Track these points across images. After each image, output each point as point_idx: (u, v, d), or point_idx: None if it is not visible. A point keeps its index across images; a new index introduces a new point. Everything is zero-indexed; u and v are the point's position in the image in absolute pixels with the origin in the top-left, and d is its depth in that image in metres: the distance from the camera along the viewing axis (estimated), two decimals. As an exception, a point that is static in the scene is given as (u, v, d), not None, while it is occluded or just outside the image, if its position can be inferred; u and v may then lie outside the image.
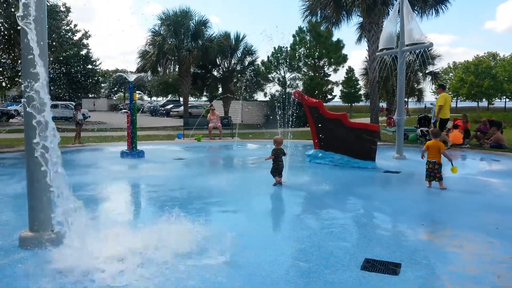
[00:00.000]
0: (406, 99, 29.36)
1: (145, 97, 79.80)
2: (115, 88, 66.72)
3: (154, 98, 73.37)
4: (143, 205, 6.56)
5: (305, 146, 15.13)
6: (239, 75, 25.67)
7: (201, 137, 15.93)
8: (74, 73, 20.78)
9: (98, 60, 35.49)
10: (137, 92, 13.54)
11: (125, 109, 54.42)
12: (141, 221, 5.28)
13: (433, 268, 3.82)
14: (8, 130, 18.15)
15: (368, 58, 17.72)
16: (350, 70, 58.61)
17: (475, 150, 13.33)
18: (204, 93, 27.22)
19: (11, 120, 31.36)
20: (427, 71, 27.56)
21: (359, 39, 19.24)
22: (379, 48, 11.49)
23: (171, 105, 49.26)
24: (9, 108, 35.88)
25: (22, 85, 4.20)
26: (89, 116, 38.09)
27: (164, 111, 46.01)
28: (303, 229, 4.93)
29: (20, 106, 40.38)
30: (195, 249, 4.11)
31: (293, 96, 10.32)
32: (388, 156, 11.07)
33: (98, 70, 34.24)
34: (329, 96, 44.89)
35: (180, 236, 4.39)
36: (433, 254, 4.17)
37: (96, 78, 30.11)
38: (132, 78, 11.37)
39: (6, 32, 12.31)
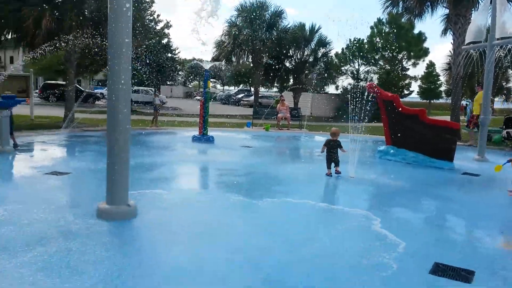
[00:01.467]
0: (492, 98, 26.91)
1: (218, 86, 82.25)
2: (191, 76, 69.56)
3: (226, 87, 75.19)
4: (210, 187, 6.77)
5: (376, 141, 14.60)
6: (311, 67, 25.30)
7: (269, 126, 16.03)
8: (156, 61, 21.92)
9: (177, 49, 37.17)
10: (211, 80, 14.03)
11: (199, 96, 56.80)
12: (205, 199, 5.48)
13: (510, 280, 3.49)
14: (93, 111, 19.73)
15: (452, 52, 16.46)
16: (431, 65, 55.11)
17: None
18: (275, 84, 27.16)
19: (96, 102, 34.01)
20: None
21: (444, 32, 17.93)
22: (466, 41, 10.61)
23: (242, 95, 50.23)
24: (95, 91, 38.94)
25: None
26: (166, 102, 40.16)
27: (235, 100, 47.10)
28: (366, 228, 4.74)
29: (105, 89, 43.97)
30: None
31: (367, 89, 9.95)
32: (467, 157, 10.27)
33: (176, 59, 35.88)
34: (406, 92, 42.66)
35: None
36: (511, 265, 3.80)
37: (175, 66, 31.69)
38: (207, 66, 11.72)
39: (97, 20, 13.32)
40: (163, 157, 9.14)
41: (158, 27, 24.23)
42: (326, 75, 26.08)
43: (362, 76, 33.36)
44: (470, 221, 5.33)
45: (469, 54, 12.55)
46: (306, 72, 25.66)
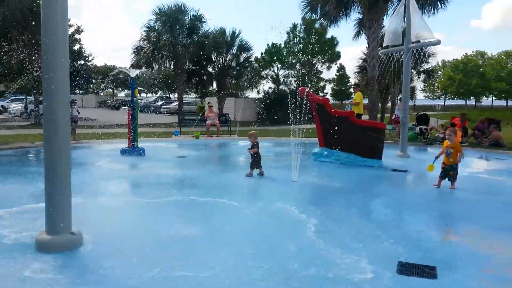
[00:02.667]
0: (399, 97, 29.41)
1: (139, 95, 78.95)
2: (104, 84, 65.73)
3: (143, 95, 72.57)
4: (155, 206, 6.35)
5: (306, 144, 15.08)
6: (234, 72, 25.39)
7: (199, 134, 15.71)
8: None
9: (90, 55, 34.88)
10: (138, 88, 13.14)
11: (118, 105, 53.79)
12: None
13: (469, 271, 3.74)
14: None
15: (368, 55, 17.66)
16: (341, 68, 59.06)
17: (475, 148, 13.39)
18: (198, 90, 26.78)
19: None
20: (421, 69, 27.69)
21: (357, 36, 19.20)
22: (384, 45, 11.41)
23: (161, 102, 48.80)
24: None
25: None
26: (79, 113, 37.49)
27: (155, 108, 45.55)
28: (316, 232, 4.79)
29: (6, 102, 39.75)
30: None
31: (299, 93, 10.20)
32: (390, 155, 11.00)
33: (90, 66, 33.58)
34: (321, 94, 44.99)
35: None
36: (465, 256, 4.09)
37: (88, 74, 29.60)
38: (133, 74, 11.11)
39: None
40: (93, 174, 8.41)
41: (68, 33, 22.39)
42: (250, 80, 26.36)
43: (282, 80, 34.34)
44: (413, 216, 5.59)
45: (387, 57, 13.51)
46: (229, 77, 25.68)
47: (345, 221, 5.16)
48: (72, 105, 14.76)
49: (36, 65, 13.35)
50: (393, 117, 13.89)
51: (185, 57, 22.16)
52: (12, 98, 40.52)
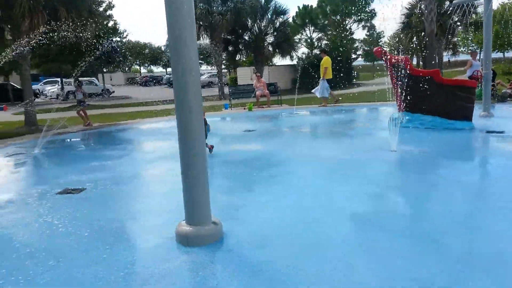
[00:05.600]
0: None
1: (158, 69, 78.68)
2: (129, 61, 65.47)
3: (170, 69, 72.13)
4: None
5: (371, 108, 14.42)
6: (271, 39, 24.44)
7: (252, 106, 15.19)
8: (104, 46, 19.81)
9: (125, 31, 34.21)
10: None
11: (146, 81, 53.74)
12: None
13: None
14: (41, 110, 17.56)
15: (426, 7, 16.32)
16: (371, 27, 56.56)
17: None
18: (233, 61, 26.01)
19: (36, 100, 30.83)
20: (469, 21, 25.90)
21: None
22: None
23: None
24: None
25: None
26: (113, 91, 37.56)
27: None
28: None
29: (40, 84, 40.00)
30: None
31: (375, 54, 9.47)
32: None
33: (125, 43, 33.22)
34: (354, 56, 43.36)
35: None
36: None
37: (124, 51, 29.25)
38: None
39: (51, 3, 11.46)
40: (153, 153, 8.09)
41: (100, 9, 21.89)
42: (289, 45, 25.34)
43: (316, 43, 33.06)
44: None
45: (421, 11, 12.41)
46: (267, 44, 24.76)
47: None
48: (77, 88, 13.51)
49: (84, 45, 12.89)
50: (471, 73, 12.83)
51: (222, 26, 21.30)
52: (45, 80, 40.86)
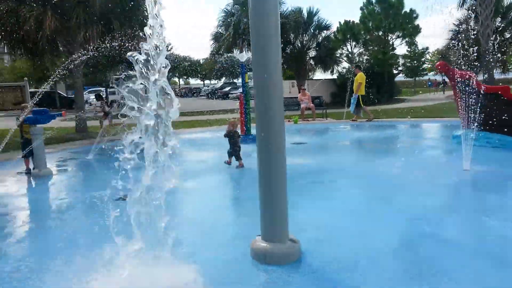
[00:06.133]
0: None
1: (194, 81, 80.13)
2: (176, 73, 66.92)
3: (207, 82, 73.26)
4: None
5: (416, 125, 13.83)
6: (313, 53, 24.23)
7: (298, 119, 14.92)
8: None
9: (170, 44, 35.01)
10: (248, 73, 12.18)
11: (185, 93, 54.75)
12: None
13: None
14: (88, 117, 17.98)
15: (481, 23, 15.67)
16: (412, 43, 55.28)
17: None
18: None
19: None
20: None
21: (462, 4, 17.21)
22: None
23: (229, 87, 48.72)
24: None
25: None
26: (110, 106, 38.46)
27: (222, 94, 45.46)
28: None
29: (85, 93, 41.64)
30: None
31: (438, 68, 9.01)
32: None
33: (172, 55, 34.05)
34: (395, 71, 42.37)
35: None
36: None
37: (172, 64, 30.24)
38: (243, 58, 10.49)
39: (106, 15, 11.74)
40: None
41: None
42: (332, 59, 25.01)
43: (357, 58, 32.51)
44: None
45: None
46: (308, 58, 24.55)
47: None
48: (104, 103, 13.95)
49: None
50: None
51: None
52: (89, 90, 42.37)
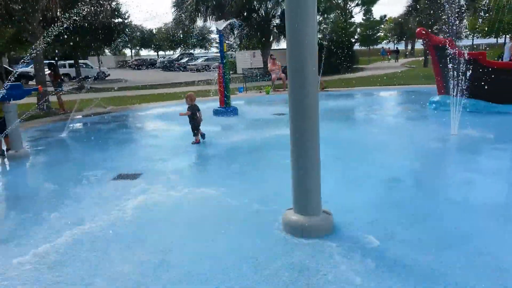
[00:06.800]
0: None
1: (148, 52, 76.80)
2: (121, 43, 63.58)
3: (161, 53, 70.66)
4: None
5: (367, 93, 14.15)
6: (277, 21, 23.84)
7: (270, 89, 14.77)
8: (102, 27, 18.82)
9: (127, 13, 32.74)
10: (227, 42, 11.44)
11: (139, 64, 52.33)
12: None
13: None
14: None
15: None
16: (368, 11, 56.07)
17: None
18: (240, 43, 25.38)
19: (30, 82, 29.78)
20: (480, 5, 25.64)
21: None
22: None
23: (187, 59, 47.27)
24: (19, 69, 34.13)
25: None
26: (109, 74, 36.59)
27: (180, 65, 44.08)
28: None
29: (30, 67, 38.73)
30: None
31: (416, 35, 9.15)
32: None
33: (127, 24, 32.06)
34: (353, 40, 42.88)
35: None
36: None
37: (125, 32, 28.26)
38: (221, 26, 10.09)
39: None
40: (221, 143, 7.68)
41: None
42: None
43: (317, 27, 32.43)
44: None
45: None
46: (272, 27, 24.18)
47: None
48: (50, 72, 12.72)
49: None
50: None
51: (231, 7, 20.61)
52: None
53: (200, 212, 3.96)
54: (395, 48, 51.93)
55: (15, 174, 5.92)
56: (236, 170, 5.48)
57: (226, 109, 10.13)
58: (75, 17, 9.48)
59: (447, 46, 8.85)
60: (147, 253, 3.13)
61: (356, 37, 46.29)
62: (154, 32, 66.90)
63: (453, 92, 9.02)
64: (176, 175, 5.22)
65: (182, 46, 62.05)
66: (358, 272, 2.74)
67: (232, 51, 24.56)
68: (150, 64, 53.59)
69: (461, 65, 8.73)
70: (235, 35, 23.32)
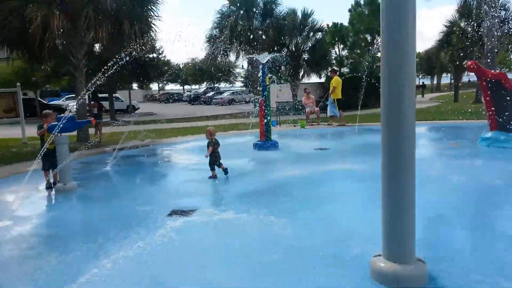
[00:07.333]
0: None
1: (174, 86, 78.58)
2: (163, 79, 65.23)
3: (187, 87, 72.17)
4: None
5: (430, 128, 13.69)
6: (307, 56, 24.04)
7: (305, 123, 14.60)
8: (138, 61, 19.45)
9: (161, 48, 34.04)
10: (269, 75, 11.54)
11: (168, 98, 53.48)
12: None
13: None
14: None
15: (486, 24, 15.76)
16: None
17: None
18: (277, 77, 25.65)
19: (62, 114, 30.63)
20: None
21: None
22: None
23: (212, 93, 48.08)
24: (51, 102, 35.26)
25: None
26: (139, 108, 37.36)
27: (205, 99, 44.74)
28: None
29: (61, 100, 39.96)
30: None
31: (466, 68, 8.89)
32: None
33: (161, 59, 33.17)
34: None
35: None
36: None
37: (160, 67, 29.19)
38: (264, 59, 10.08)
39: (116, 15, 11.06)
40: (259, 180, 7.45)
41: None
42: (322, 62, 24.87)
43: (345, 62, 32.65)
44: None
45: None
46: (302, 61, 24.36)
47: None
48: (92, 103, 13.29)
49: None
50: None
51: (264, 43, 20.93)
52: (66, 96, 40.79)
53: (275, 256, 3.67)
54: (421, 83, 51.55)
55: (67, 209, 5.80)
56: (296, 208, 5.20)
57: (265, 143, 9.95)
58: (122, 54, 9.66)
59: (502, 79, 8.56)
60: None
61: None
62: (181, 67, 68.71)
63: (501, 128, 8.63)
64: (230, 211, 4.98)
65: (207, 80, 63.31)
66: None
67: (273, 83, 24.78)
68: (177, 98, 54.76)
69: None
70: (281, 69, 23.45)
